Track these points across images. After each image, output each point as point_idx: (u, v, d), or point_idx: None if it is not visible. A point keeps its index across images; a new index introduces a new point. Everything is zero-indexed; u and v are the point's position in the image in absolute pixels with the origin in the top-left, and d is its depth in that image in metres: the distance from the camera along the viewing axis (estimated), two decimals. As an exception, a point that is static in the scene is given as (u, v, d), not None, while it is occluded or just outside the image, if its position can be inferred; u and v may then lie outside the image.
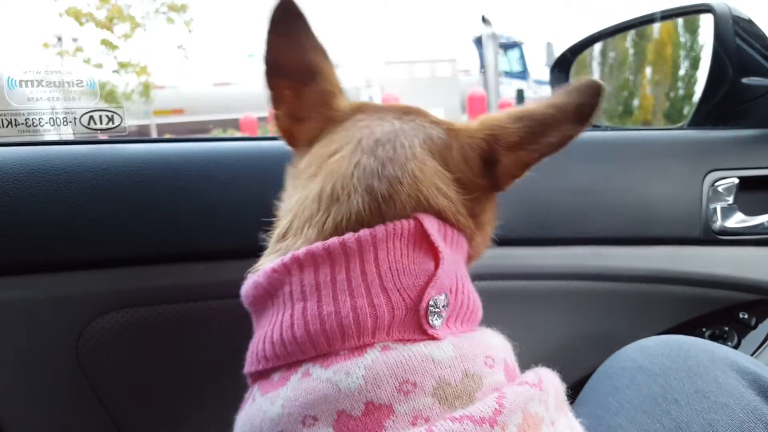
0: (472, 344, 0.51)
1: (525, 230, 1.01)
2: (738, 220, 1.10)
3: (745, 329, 1.08)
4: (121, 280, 0.85)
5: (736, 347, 1.05)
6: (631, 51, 2.10)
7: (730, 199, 1.10)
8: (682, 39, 1.80)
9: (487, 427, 0.44)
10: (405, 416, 0.45)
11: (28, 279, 0.81)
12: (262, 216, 0.89)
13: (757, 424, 0.61)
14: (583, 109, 0.59)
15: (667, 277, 1.08)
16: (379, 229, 0.52)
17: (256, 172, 0.90)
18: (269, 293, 0.54)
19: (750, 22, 1.19)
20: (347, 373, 0.47)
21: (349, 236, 0.51)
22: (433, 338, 0.50)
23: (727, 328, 1.08)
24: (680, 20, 1.73)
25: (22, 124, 0.82)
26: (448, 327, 0.52)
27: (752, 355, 1.03)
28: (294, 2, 0.61)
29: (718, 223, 1.09)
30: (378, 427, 0.45)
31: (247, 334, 0.92)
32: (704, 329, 1.10)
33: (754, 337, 1.06)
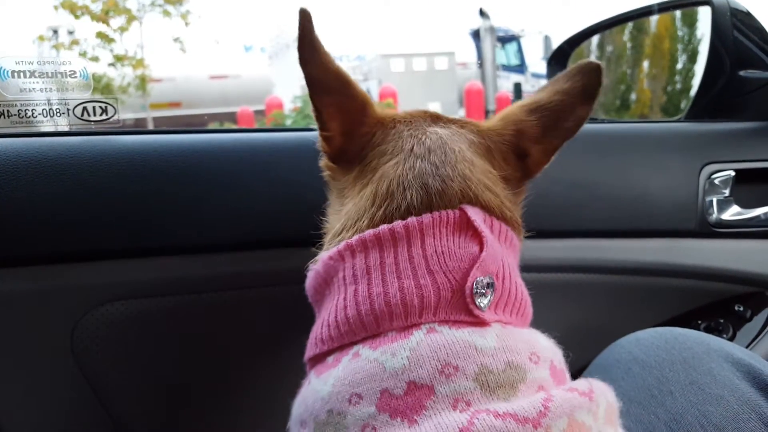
0: (517, 339, 0.52)
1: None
2: (734, 213, 1.10)
3: (740, 321, 1.08)
4: (116, 272, 0.84)
5: (731, 339, 1.05)
6: (628, 45, 2.10)
7: (727, 192, 1.10)
8: (679, 33, 1.80)
9: (530, 427, 0.44)
10: (446, 398, 0.46)
11: (22, 271, 0.80)
12: (259, 208, 0.89)
13: (751, 416, 0.61)
14: (588, 90, 0.66)
15: (663, 270, 1.08)
16: (426, 217, 0.55)
17: (251, 163, 0.90)
18: (326, 281, 0.58)
19: (748, 14, 1.19)
20: (393, 353, 0.49)
21: (397, 223, 0.55)
22: (479, 321, 0.52)
23: (722, 321, 1.09)
24: (678, 13, 1.72)
25: (15, 115, 0.81)
26: (495, 312, 0.53)
27: (747, 347, 1.04)
28: (310, 13, 0.60)
29: (714, 216, 1.09)
30: (419, 407, 0.46)
31: (245, 326, 0.93)
32: (700, 321, 1.10)
33: (749, 329, 1.07)
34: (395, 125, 0.65)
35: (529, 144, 0.68)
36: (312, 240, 0.84)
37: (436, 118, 0.67)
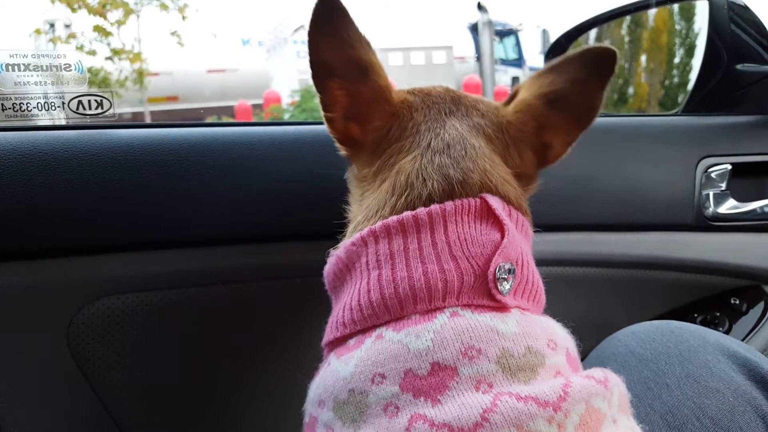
0: (536, 326, 0.54)
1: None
2: (730, 207, 1.10)
3: (736, 315, 1.09)
4: (111, 266, 0.84)
5: (727, 332, 1.06)
6: (626, 39, 2.09)
7: (723, 186, 1.10)
8: (677, 27, 1.80)
9: (551, 411, 0.45)
10: (469, 379, 0.47)
11: (16, 265, 0.80)
12: (256, 201, 0.89)
13: (746, 408, 0.62)
14: (604, 78, 0.65)
15: (660, 263, 1.09)
16: (449, 204, 0.56)
17: (248, 157, 0.89)
18: (347, 267, 0.58)
19: (745, 8, 1.19)
20: (417, 335, 0.50)
21: (420, 210, 0.56)
22: (500, 305, 0.53)
23: (718, 314, 1.09)
24: (676, 8, 1.72)
25: (10, 108, 0.81)
26: (514, 298, 0.55)
27: (743, 340, 1.04)
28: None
29: (711, 210, 1.09)
30: (442, 387, 0.47)
31: (243, 320, 0.93)
32: (696, 315, 1.10)
33: (745, 322, 1.07)
34: (412, 115, 0.65)
35: (551, 137, 0.68)
36: (309, 234, 0.84)
37: (456, 102, 0.67)
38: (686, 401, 0.64)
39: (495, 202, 0.58)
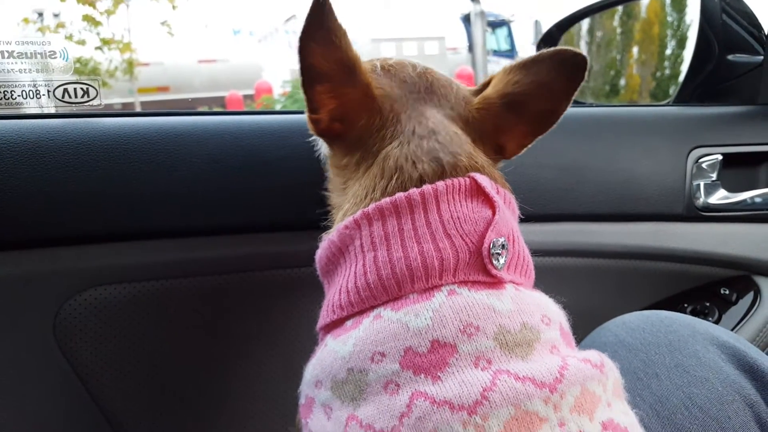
0: (530, 302, 0.55)
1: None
2: (721, 197, 1.10)
3: (726, 305, 1.09)
4: (97, 257, 0.83)
5: (716, 322, 1.06)
6: (618, 30, 2.10)
7: (714, 176, 1.10)
8: (669, 18, 1.80)
9: (547, 392, 0.46)
10: (468, 356, 0.48)
11: (1, 256, 0.79)
12: (244, 191, 0.88)
13: (735, 397, 0.62)
14: (571, 87, 0.65)
15: (650, 253, 1.09)
16: (440, 184, 0.57)
17: (236, 146, 0.88)
18: (341, 250, 0.58)
19: (737, -1, 1.19)
20: (416, 314, 0.50)
21: (413, 191, 0.56)
22: (496, 280, 0.54)
23: (708, 304, 1.10)
24: (668, -2, 1.72)
25: (-7, 96, 0.80)
26: (508, 273, 0.56)
27: (732, 330, 1.05)
28: (329, 3, 0.58)
29: (702, 200, 1.09)
30: (442, 364, 0.48)
31: (234, 310, 0.92)
32: (686, 305, 1.11)
33: (734, 312, 1.08)
34: (392, 106, 0.64)
35: (505, 140, 0.68)
36: (300, 224, 0.83)
37: (429, 91, 0.66)
38: (675, 391, 0.64)
39: (484, 180, 0.59)
